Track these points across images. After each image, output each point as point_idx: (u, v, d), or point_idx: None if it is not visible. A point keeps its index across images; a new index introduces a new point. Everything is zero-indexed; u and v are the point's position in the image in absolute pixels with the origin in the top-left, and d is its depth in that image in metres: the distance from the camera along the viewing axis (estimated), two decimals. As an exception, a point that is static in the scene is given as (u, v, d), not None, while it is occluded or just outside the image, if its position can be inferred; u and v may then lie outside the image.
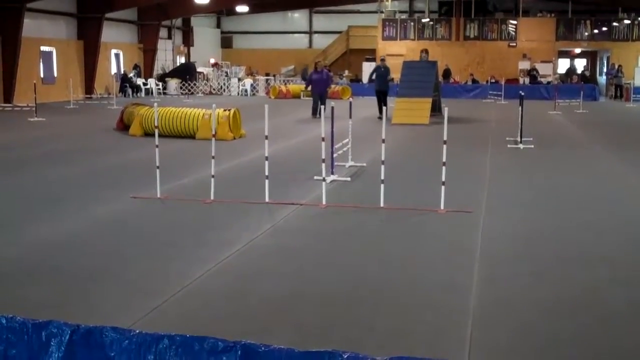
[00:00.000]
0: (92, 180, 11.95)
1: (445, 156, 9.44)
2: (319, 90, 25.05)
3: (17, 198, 10.37)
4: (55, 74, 34.19)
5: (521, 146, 16.29)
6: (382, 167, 9.71)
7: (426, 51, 26.23)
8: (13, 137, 18.49)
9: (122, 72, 38.87)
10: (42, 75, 33.03)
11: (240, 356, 2.93)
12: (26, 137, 18.54)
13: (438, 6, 46.46)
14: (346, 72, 43.80)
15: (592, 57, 46.80)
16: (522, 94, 18.11)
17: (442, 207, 9.41)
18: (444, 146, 9.45)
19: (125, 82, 37.67)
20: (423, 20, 43.76)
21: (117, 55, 39.75)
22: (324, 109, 10.44)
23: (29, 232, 8.25)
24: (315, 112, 24.44)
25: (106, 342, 3.06)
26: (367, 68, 44.94)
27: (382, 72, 24.65)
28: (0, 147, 16.25)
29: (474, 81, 39.60)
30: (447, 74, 39.02)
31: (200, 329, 5.04)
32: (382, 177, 9.67)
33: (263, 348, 2.93)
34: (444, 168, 9.43)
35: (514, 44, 42.50)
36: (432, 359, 2.78)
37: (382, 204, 9.61)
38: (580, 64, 46.36)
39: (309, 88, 26.40)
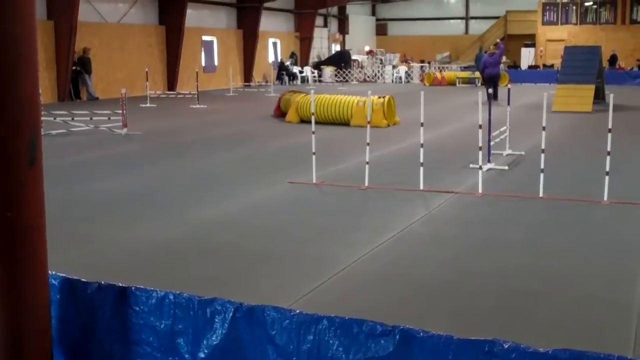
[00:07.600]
0: (251, 164, 12.31)
1: (610, 145, 9.02)
2: (486, 73, 24.61)
3: (180, 181, 10.85)
4: (216, 63, 35.41)
5: (693, 135, 15.32)
6: (542, 155, 9.41)
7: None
8: (176, 123, 19.36)
9: (279, 60, 39.76)
10: (203, 64, 34.31)
11: (398, 340, 2.93)
12: (189, 123, 19.36)
13: (602, -11, 44.44)
14: (504, 59, 42.67)
15: None
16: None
17: (605, 198, 9.00)
18: (609, 135, 9.04)
19: (282, 70, 38.51)
20: (586, 4, 41.97)
21: (274, 44, 40.73)
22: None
23: (193, 214, 8.61)
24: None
25: (267, 320, 3.14)
26: (526, 54, 43.70)
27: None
28: (165, 132, 17.06)
29: (641, 67, 37.60)
30: (613, 59, 37.26)
31: (356, 312, 5.07)
32: (542, 166, 9.37)
33: (422, 334, 2.92)
34: (608, 157, 9.02)
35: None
36: (600, 353, 2.65)
37: (541, 194, 9.32)
38: None
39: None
